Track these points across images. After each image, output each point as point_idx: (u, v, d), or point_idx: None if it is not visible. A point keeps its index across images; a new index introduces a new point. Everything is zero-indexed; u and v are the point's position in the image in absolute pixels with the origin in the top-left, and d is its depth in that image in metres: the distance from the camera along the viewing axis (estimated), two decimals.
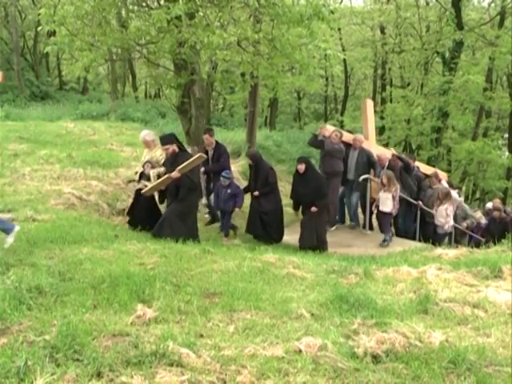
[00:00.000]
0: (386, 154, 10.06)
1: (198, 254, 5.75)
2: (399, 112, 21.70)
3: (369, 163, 9.71)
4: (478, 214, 11.10)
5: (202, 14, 8.34)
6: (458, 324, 3.95)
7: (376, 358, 3.15)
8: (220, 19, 9.21)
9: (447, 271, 5.43)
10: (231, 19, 8.87)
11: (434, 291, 4.63)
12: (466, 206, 11.10)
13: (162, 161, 7.59)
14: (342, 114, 26.43)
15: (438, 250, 7.11)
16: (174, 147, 7.12)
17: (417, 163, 10.82)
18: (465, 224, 10.01)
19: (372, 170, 9.89)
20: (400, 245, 8.62)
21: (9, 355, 2.81)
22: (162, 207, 7.74)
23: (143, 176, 7.77)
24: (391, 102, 23.83)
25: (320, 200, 8.00)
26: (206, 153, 8.59)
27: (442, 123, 20.05)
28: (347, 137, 10.00)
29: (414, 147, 24.09)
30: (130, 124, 17.72)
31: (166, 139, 7.21)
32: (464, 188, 24.41)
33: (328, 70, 24.33)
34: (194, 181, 7.08)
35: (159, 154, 7.74)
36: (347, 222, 10.42)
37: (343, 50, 23.10)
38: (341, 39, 24.88)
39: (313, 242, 7.89)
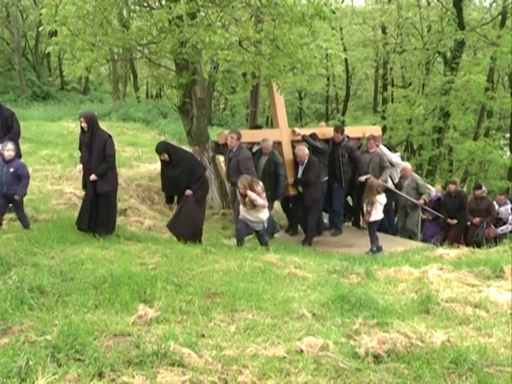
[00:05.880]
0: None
1: (200, 253, 5.75)
2: (400, 112, 21.67)
3: (275, 174, 8.48)
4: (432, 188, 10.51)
5: (203, 13, 8.35)
6: (459, 324, 3.94)
7: (377, 358, 3.15)
8: (221, 19, 9.23)
9: (449, 271, 5.43)
10: (233, 19, 8.87)
11: (436, 291, 4.62)
12: (417, 176, 10.50)
13: None
14: (343, 114, 26.43)
15: (440, 250, 7.11)
16: None
17: (346, 132, 9.59)
18: (422, 201, 9.62)
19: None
20: (401, 245, 8.62)
21: (10, 355, 2.81)
22: None
23: None
24: (392, 101, 23.83)
25: (196, 182, 6.90)
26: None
27: (444, 123, 20.04)
28: (253, 135, 8.93)
29: (415, 147, 24.06)
30: (132, 124, 17.80)
31: None
32: (465, 188, 24.37)
33: (329, 69, 24.32)
34: None
35: None
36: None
37: (345, 49, 23.10)
38: (342, 39, 24.87)
39: (188, 234, 6.81)
